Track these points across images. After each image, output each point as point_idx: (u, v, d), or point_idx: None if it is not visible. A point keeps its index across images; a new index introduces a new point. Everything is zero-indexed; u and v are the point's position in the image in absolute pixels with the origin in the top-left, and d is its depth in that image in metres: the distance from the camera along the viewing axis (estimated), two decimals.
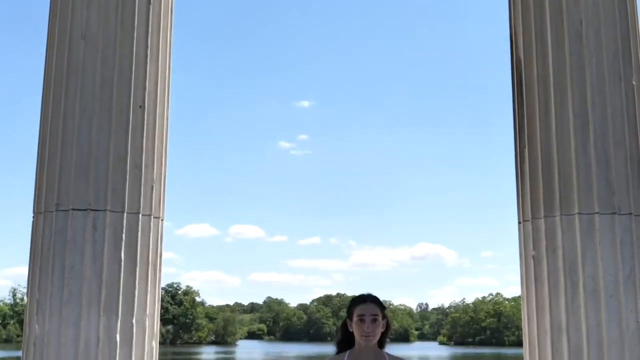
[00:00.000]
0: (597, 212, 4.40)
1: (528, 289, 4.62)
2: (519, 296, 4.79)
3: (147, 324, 4.57)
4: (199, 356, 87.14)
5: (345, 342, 3.97)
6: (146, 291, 4.60)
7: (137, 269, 4.55)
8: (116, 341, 4.39)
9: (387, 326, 3.97)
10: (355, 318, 3.87)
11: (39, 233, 4.59)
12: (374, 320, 3.80)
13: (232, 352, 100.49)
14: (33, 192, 4.76)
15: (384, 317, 3.90)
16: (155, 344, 4.68)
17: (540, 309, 4.49)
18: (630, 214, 4.44)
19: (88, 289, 4.40)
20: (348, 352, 3.90)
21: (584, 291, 4.33)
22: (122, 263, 4.48)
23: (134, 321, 4.48)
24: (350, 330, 3.92)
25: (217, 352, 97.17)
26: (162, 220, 4.86)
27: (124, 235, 4.51)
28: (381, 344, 3.96)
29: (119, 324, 4.41)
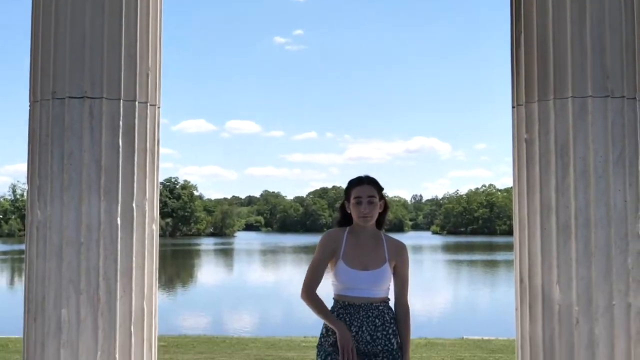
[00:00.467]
0: (590, 96, 4.44)
1: (519, 171, 4.72)
2: (512, 187, 4.89)
3: (146, 208, 4.68)
4: (198, 247, 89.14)
5: (344, 223, 4.06)
6: (145, 177, 4.68)
7: (135, 155, 4.61)
8: (117, 224, 4.51)
9: (385, 207, 4.03)
10: (352, 200, 3.92)
11: (37, 121, 4.62)
12: (371, 202, 3.85)
13: (231, 243, 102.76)
14: (28, 81, 4.75)
15: (381, 198, 3.95)
16: (155, 227, 4.81)
17: (531, 189, 4.60)
18: (623, 97, 4.48)
19: (87, 175, 4.48)
20: (348, 228, 3.98)
21: (574, 172, 4.43)
22: (120, 150, 4.54)
23: (134, 205, 4.58)
24: (348, 211, 3.98)
25: (216, 243, 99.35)
26: (158, 107, 4.88)
27: (120, 123, 4.55)
28: (380, 224, 4.03)
29: (119, 208, 4.52)
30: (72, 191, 4.48)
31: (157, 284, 4.86)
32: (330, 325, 3.75)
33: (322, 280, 3.95)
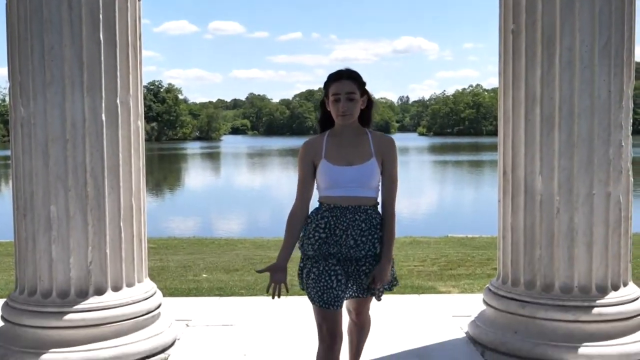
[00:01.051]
0: None
1: (505, 63, 4.70)
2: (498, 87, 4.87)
3: (131, 104, 4.65)
4: (184, 151, 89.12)
5: (325, 120, 3.73)
6: (128, 72, 4.62)
7: (117, 50, 4.54)
8: (102, 121, 4.48)
9: (369, 102, 3.63)
10: (331, 97, 3.57)
11: (14, 15, 4.51)
12: (350, 99, 3.49)
13: (217, 147, 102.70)
14: None
15: (364, 93, 3.57)
16: (140, 124, 4.79)
17: (516, 81, 4.59)
18: None
19: (70, 70, 4.42)
20: (328, 132, 3.64)
21: (560, 62, 4.41)
22: (102, 44, 4.46)
23: (118, 102, 4.55)
24: (328, 109, 3.65)
25: (202, 147, 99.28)
26: (138, 0, 4.77)
27: (101, 16, 4.45)
28: (365, 120, 3.65)
29: (103, 104, 4.49)
30: (55, 87, 4.43)
31: (145, 181, 4.89)
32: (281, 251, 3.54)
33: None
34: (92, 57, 4.45)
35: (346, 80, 3.52)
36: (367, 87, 3.64)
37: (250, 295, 7.06)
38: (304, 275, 3.53)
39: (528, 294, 4.61)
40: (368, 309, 3.78)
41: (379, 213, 3.56)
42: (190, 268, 9.86)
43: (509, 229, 4.76)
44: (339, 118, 3.55)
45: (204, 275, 9.08)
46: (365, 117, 3.64)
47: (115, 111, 4.55)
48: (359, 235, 3.46)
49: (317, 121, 3.83)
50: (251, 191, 36.40)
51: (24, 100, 4.50)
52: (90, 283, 4.51)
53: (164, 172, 54.11)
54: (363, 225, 3.46)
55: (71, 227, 4.47)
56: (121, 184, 4.60)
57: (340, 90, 3.51)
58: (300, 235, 3.57)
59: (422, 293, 6.94)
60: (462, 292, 7.28)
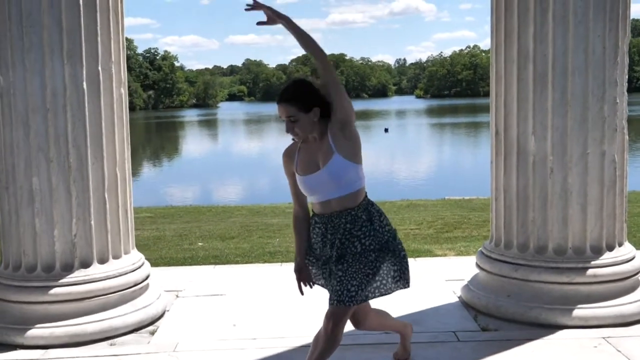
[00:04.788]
0: None
1: (497, 20, 4.56)
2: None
3: (113, 71, 4.52)
4: (181, 119, 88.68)
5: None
6: (109, 38, 4.48)
7: (98, 14, 4.39)
8: (83, 89, 4.36)
9: (324, 109, 3.36)
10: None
11: None
12: (293, 121, 3.34)
13: (214, 114, 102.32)
14: None
15: (310, 107, 3.33)
16: (124, 91, 4.67)
17: (509, 38, 4.46)
18: None
19: (49, 37, 4.28)
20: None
21: (553, 18, 4.27)
22: (81, 9, 4.31)
23: (99, 69, 4.42)
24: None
25: (199, 115, 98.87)
26: None
27: None
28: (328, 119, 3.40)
29: (84, 71, 4.35)
30: (34, 55, 4.29)
31: (129, 151, 4.78)
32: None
33: None
34: (71, 23, 4.30)
35: (284, 103, 3.37)
36: (318, 97, 3.37)
37: (246, 262, 6.99)
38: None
39: (521, 257, 4.53)
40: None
41: (366, 209, 3.42)
42: (187, 237, 9.81)
43: (501, 190, 4.67)
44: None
45: (200, 244, 9.03)
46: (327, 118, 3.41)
47: (97, 79, 4.42)
48: (344, 236, 3.39)
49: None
50: (248, 158, 36.30)
51: (3, 69, 4.37)
52: (76, 256, 4.42)
53: (161, 140, 53.91)
54: (348, 225, 3.38)
55: (54, 199, 4.37)
56: (104, 154, 4.49)
57: (281, 114, 3.38)
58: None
59: (418, 257, 6.88)
60: (458, 254, 7.23)
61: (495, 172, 4.73)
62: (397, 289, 3.43)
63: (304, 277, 3.54)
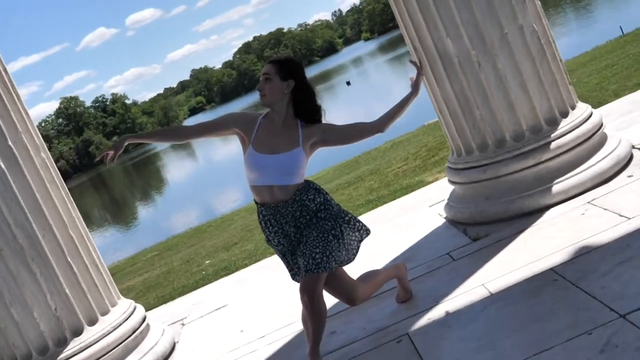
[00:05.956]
0: None
1: None
2: None
3: (26, 141, 4.39)
4: (154, 151, 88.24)
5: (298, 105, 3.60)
6: (8, 111, 4.35)
7: None
8: (2, 169, 4.22)
9: (298, 90, 3.46)
10: None
11: None
12: (267, 79, 3.46)
13: None
14: None
15: (286, 77, 3.45)
16: (44, 155, 4.54)
17: None
18: None
19: None
20: (263, 114, 3.57)
21: None
22: None
23: (10, 144, 4.29)
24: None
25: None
26: None
27: None
28: (299, 110, 3.50)
29: None
30: None
31: (75, 208, 4.67)
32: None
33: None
34: None
35: (268, 63, 3.54)
36: (299, 75, 3.51)
37: (255, 262, 6.87)
38: None
39: (484, 157, 4.46)
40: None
41: (308, 190, 3.44)
42: (194, 260, 9.74)
43: (442, 101, 4.58)
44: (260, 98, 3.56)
45: (207, 262, 8.96)
46: (299, 108, 3.51)
47: (11, 153, 4.30)
48: (296, 221, 3.42)
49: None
50: (233, 161, 36.15)
51: None
52: (65, 328, 4.34)
53: (144, 178, 53.66)
54: (297, 213, 3.40)
55: (20, 284, 4.26)
56: (51, 221, 4.38)
57: (262, 72, 3.54)
58: None
59: (412, 191, 6.77)
60: None
61: (429, 87, 4.64)
62: (358, 248, 3.49)
63: (114, 147, 3.50)
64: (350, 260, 3.48)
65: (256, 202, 3.55)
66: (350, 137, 3.56)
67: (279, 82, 3.46)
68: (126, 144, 3.59)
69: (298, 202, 3.39)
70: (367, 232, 3.52)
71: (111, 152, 3.50)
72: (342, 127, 3.54)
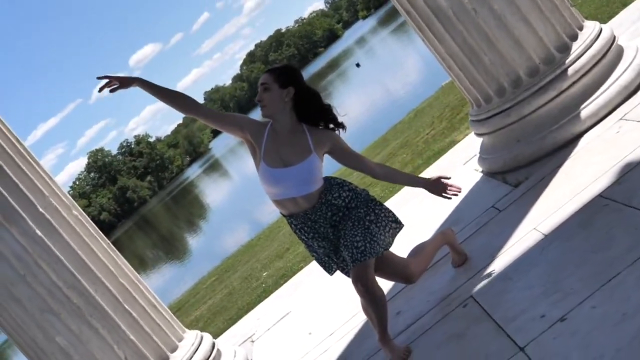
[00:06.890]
0: None
1: None
2: None
3: (54, 203, 4.42)
4: (189, 180, 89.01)
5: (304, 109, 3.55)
6: (31, 179, 4.38)
7: (7, 169, 4.30)
8: (40, 237, 4.26)
9: (299, 96, 3.40)
10: None
11: None
12: (265, 89, 3.40)
13: (212, 156, 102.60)
14: None
15: (286, 85, 3.39)
16: (76, 212, 4.56)
17: None
18: None
19: None
20: (269, 124, 3.48)
21: None
22: None
23: (42, 210, 4.32)
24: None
25: (200, 166, 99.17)
26: None
27: None
28: (303, 117, 3.44)
29: (30, 222, 4.26)
30: None
31: (119, 254, 4.70)
32: None
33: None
34: None
35: (265, 73, 3.49)
36: (298, 81, 3.46)
37: (309, 263, 6.84)
38: None
39: (504, 101, 4.36)
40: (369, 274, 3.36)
41: (331, 187, 3.39)
42: (252, 275, 9.80)
43: (448, 58, 4.49)
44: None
45: (265, 274, 8.99)
46: (304, 112, 3.45)
47: (44, 219, 4.34)
48: (331, 219, 3.37)
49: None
50: None
51: None
52: None
53: (186, 210, 54.14)
54: (328, 213, 3.36)
55: (85, 342, 4.30)
56: (99, 275, 4.41)
57: (260, 83, 3.48)
58: None
59: (443, 155, 6.65)
60: None
61: (432, 47, 4.55)
62: (395, 235, 3.43)
63: (119, 79, 3.35)
64: (390, 244, 3.42)
65: (282, 214, 3.49)
66: (349, 165, 3.53)
67: (278, 90, 3.41)
68: (134, 86, 3.43)
69: (325, 204, 3.35)
70: (398, 222, 3.47)
71: (116, 84, 3.36)
72: (348, 153, 3.47)
